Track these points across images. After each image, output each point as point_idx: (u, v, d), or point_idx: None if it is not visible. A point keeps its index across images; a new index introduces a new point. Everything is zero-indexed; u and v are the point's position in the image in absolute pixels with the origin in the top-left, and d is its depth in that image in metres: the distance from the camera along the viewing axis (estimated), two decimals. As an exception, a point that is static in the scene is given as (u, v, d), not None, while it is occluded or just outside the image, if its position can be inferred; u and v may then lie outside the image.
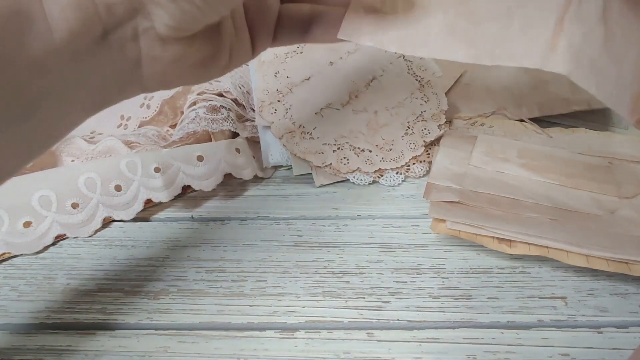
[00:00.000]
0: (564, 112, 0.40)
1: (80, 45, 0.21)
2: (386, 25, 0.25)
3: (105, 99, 0.23)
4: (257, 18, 0.26)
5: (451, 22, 0.24)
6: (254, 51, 0.27)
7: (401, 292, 0.28)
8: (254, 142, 0.38)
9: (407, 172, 0.36)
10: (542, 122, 0.40)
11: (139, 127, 0.41)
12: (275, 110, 0.37)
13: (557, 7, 0.24)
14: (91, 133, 0.41)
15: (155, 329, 0.26)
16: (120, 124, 0.42)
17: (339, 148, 0.36)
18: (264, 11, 0.26)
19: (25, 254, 0.31)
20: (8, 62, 0.19)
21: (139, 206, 0.33)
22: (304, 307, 0.27)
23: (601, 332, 0.25)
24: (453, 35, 0.24)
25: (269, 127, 0.36)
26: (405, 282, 0.28)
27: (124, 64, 0.23)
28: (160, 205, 0.35)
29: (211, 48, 0.24)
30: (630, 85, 0.22)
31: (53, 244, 0.32)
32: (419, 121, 0.37)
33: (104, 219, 0.33)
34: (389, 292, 0.28)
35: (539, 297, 0.27)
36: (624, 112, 0.22)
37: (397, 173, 0.36)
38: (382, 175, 0.36)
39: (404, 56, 0.40)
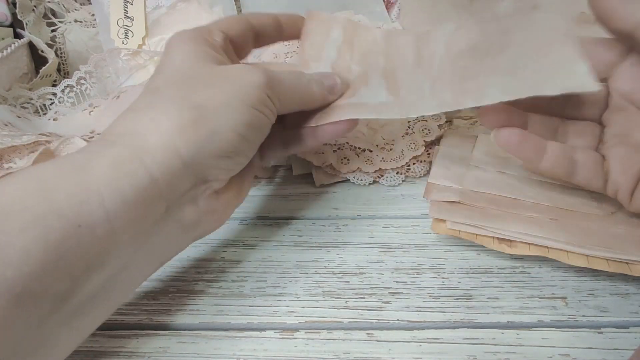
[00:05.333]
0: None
1: (142, 229, 0.21)
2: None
3: (164, 259, 0.25)
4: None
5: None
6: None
7: (401, 292, 0.28)
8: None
9: (407, 172, 0.36)
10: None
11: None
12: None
13: None
14: (90, 133, 0.41)
15: (155, 329, 0.26)
16: (120, 124, 0.42)
17: (339, 148, 0.36)
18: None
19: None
20: (67, 275, 0.19)
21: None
22: (303, 307, 0.27)
23: (601, 333, 0.25)
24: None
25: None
26: (405, 282, 0.28)
27: (184, 226, 0.24)
28: (160, 205, 0.35)
29: (250, 171, 0.28)
30: None
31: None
32: (419, 121, 0.37)
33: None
34: (389, 292, 0.28)
35: (539, 297, 0.27)
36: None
37: (397, 173, 0.36)
38: (382, 175, 0.36)
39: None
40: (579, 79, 0.23)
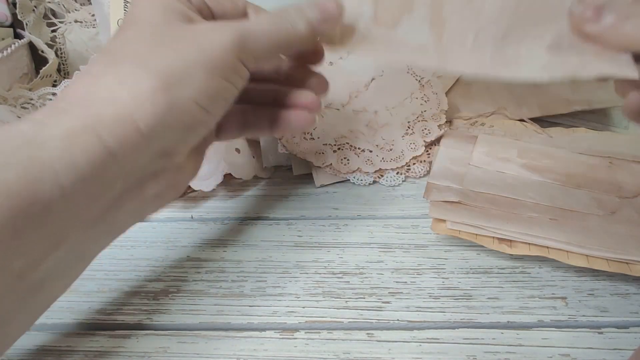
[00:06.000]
0: (565, 112, 0.39)
1: (101, 205, 0.20)
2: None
3: (121, 232, 0.23)
4: None
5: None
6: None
7: (401, 292, 0.28)
8: (254, 142, 0.38)
9: (407, 172, 0.36)
10: (543, 121, 0.39)
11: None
12: (275, 110, 0.37)
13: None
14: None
15: (155, 329, 0.26)
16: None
17: (339, 148, 0.36)
18: None
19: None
20: (22, 255, 0.18)
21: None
22: (303, 308, 0.27)
23: (601, 333, 0.25)
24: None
25: (269, 127, 0.36)
26: (405, 282, 0.28)
27: (144, 200, 0.22)
28: (160, 205, 0.35)
29: (206, 142, 0.26)
30: None
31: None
32: (419, 121, 0.37)
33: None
34: (389, 292, 0.28)
35: (539, 297, 0.27)
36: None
37: (397, 173, 0.36)
38: (382, 176, 0.36)
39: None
40: (618, 64, 0.21)
